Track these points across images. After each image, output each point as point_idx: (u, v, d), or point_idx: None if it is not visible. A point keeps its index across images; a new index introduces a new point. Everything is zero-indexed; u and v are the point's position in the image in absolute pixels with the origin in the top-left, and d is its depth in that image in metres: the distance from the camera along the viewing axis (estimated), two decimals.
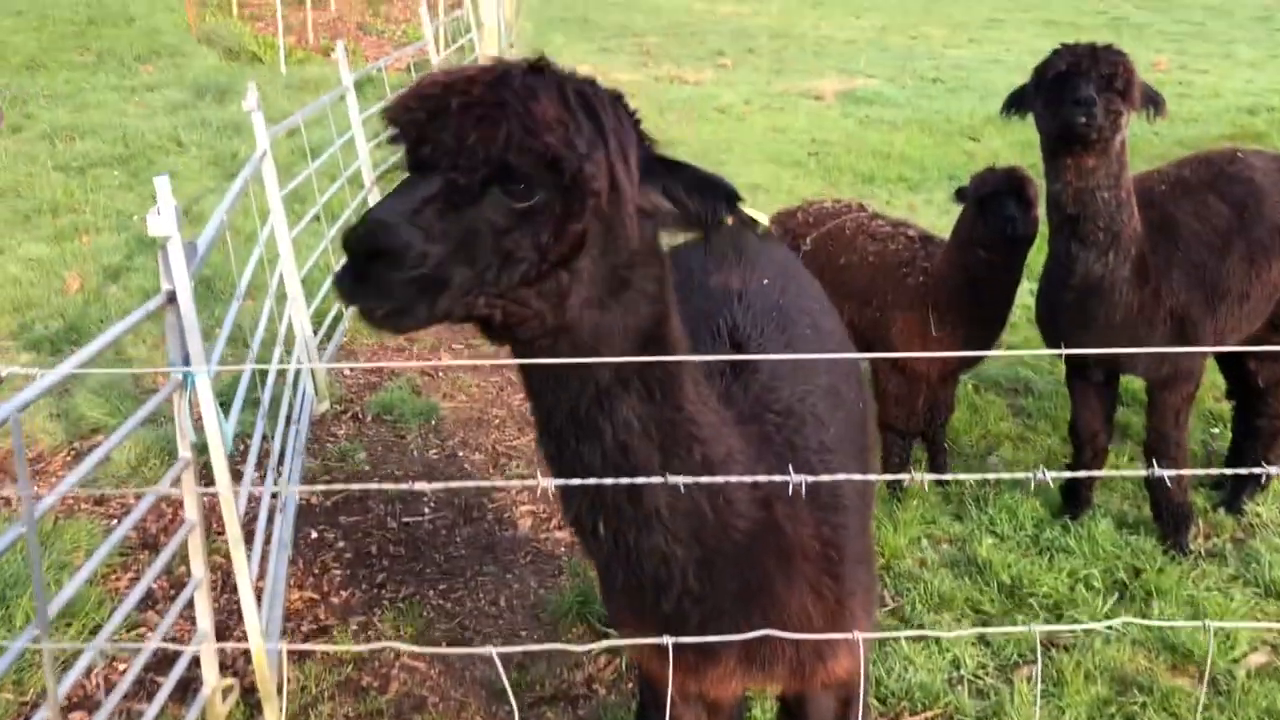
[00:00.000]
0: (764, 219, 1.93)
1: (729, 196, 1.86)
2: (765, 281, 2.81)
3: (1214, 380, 5.72)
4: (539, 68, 1.84)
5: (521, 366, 1.94)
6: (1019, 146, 12.10)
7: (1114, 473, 5.15)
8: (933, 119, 14.11)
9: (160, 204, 2.99)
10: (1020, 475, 1.92)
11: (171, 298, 3.09)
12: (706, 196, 1.87)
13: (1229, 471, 3.72)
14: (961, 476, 5.10)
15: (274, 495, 4.44)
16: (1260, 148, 11.66)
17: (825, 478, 2.16)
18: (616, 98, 1.90)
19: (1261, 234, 4.55)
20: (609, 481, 1.96)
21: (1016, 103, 4.30)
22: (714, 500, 2.11)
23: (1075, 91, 3.90)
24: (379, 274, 1.73)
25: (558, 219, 1.77)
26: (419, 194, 1.76)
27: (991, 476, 4.76)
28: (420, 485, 1.97)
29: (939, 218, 9.66)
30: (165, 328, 3.16)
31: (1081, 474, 4.51)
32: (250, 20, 19.01)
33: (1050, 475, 1.78)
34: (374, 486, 2.14)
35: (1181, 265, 4.41)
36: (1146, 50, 19.28)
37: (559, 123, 1.75)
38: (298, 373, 5.68)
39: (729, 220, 1.86)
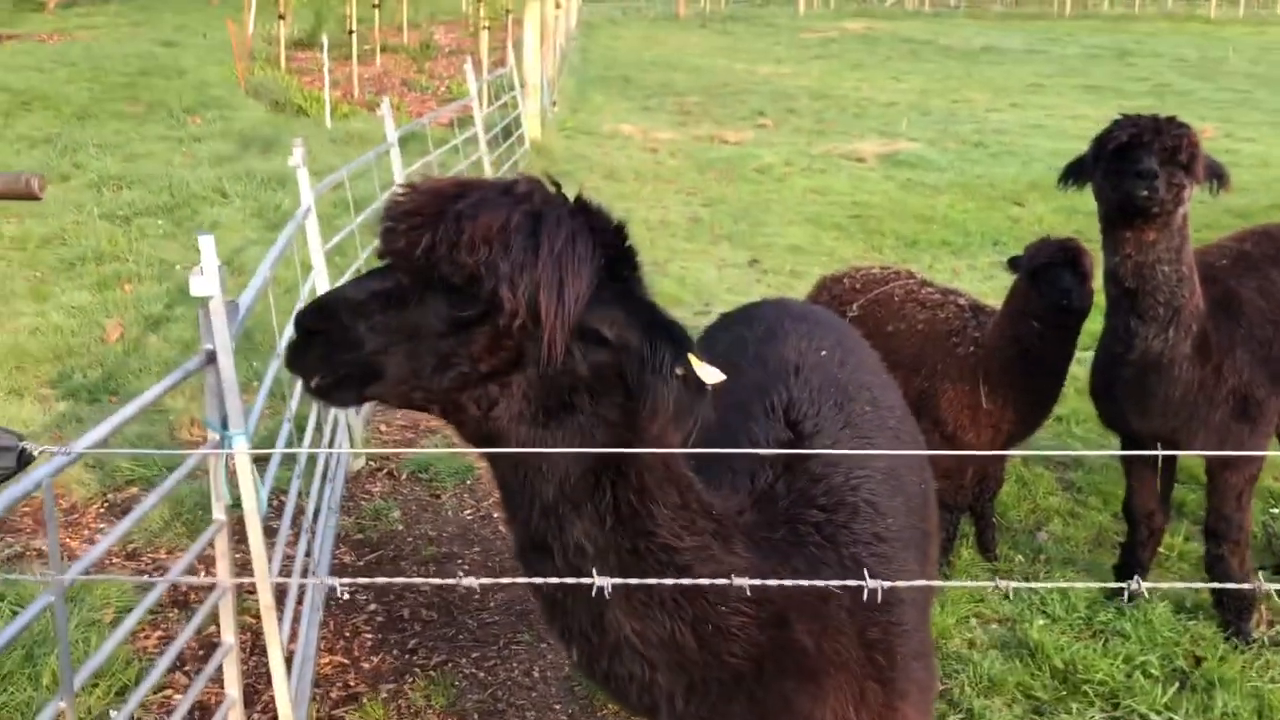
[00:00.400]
0: (717, 377, 1.82)
1: (680, 347, 1.79)
2: (823, 352, 2.71)
3: (1276, 459, 5.54)
4: (536, 192, 1.88)
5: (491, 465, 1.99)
6: (1064, 213, 11.99)
7: (1202, 585, 4.97)
8: (975, 183, 14.04)
9: (204, 263, 2.95)
10: (1114, 585, 1.78)
11: (212, 357, 3.04)
12: (657, 342, 1.79)
13: None
14: (1048, 586, 4.94)
15: (306, 554, 4.36)
16: None
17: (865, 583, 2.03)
18: (586, 227, 1.85)
19: None
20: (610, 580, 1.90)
21: (1074, 173, 4.19)
22: (698, 628, 2.01)
23: (1137, 164, 3.79)
24: (316, 349, 1.89)
25: (490, 333, 1.82)
26: (373, 286, 1.89)
27: (1093, 586, 4.58)
28: (468, 581, 1.88)
29: (982, 283, 9.55)
30: (205, 388, 3.10)
31: (1143, 555, 4.34)
32: (297, 74, 19.32)
33: (1145, 585, 1.62)
34: (418, 581, 2.06)
35: (1245, 342, 4.28)
36: (1191, 117, 19.09)
37: (485, 242, 1.79)
38: (334, 428, 5.63)
39: (676, 372, 1.78)
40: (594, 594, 1.91)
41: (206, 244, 2.94)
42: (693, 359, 1.79)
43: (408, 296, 1.84)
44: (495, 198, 1.85)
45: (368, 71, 20.68)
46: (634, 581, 1.93)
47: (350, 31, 19.85)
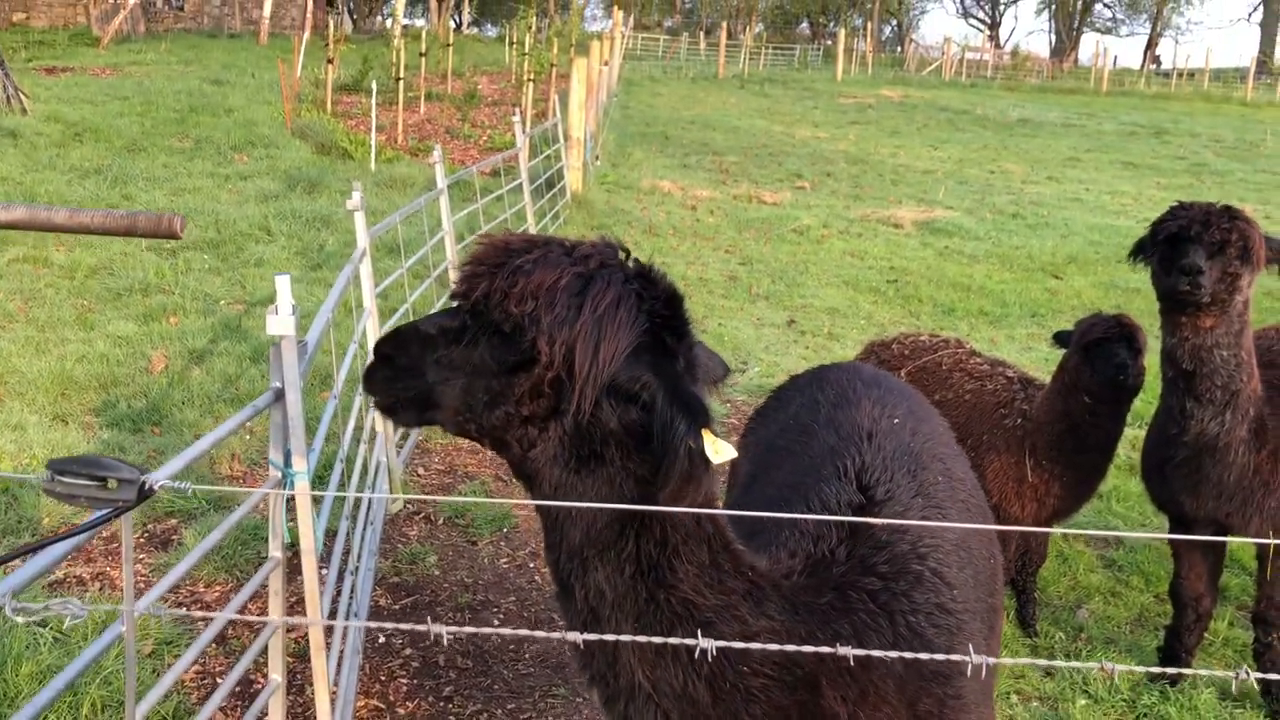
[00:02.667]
0: (727, 455, 1.87)
1: (695, 421, 1.86)
2: (896, 420, 2.71)
3: None
4: (596, 255, 1.99)
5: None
6: (1102, 288, 12.00)
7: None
8: (1013, 254, 14.07)
9: (279, 302, 2.99)
10: (1222, 674, 1.75)
11: (279, 395, 3.07)
12: (675, 412, 1.87)
13: None
14: (1130, 668, 4.87)
15: (349, 596, 4.37)
16: None
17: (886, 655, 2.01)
18: (635, 294, 1.95)
19: None
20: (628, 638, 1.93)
21: (1139, 251, 4.20)
22: (715, 684, 2.05)
23: (1183, 258, 3.81)
24: (388, 373, 2.09)
25: (531, 380, 1.96)
26: (442, 322, 2.06)
27: (1181, 672, 4.51)
28: (505, 631, 1.89)
29: (1020, 354, 9.54)
30: (270, 425, 3.14)
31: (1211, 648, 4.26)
32: (342, 117, 19.66)
33: (1255, 676, 1.59)
34: (470, 630, 2.09)
35: None
36: (1229, 197, 19.13)
37: (533, 297, 1.93)
38: (376, 471, 5.65)
39: (689, 444, 1.85)
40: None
41: (283, 284, 2.99)
42: (706, 434, 1.86)
43: (468, 336, 2.00)
44: (556, 257, 1.98)
45: (412, 118, 21.01)
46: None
47: (398, 79, 20.21)
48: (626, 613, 2.02)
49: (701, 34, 60.42)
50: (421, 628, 4.31)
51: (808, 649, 1.98)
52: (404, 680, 4.53)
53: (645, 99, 32.60)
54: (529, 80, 21.68)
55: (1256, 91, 46.51)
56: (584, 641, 2.02)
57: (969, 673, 2.27)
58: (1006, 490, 4.83)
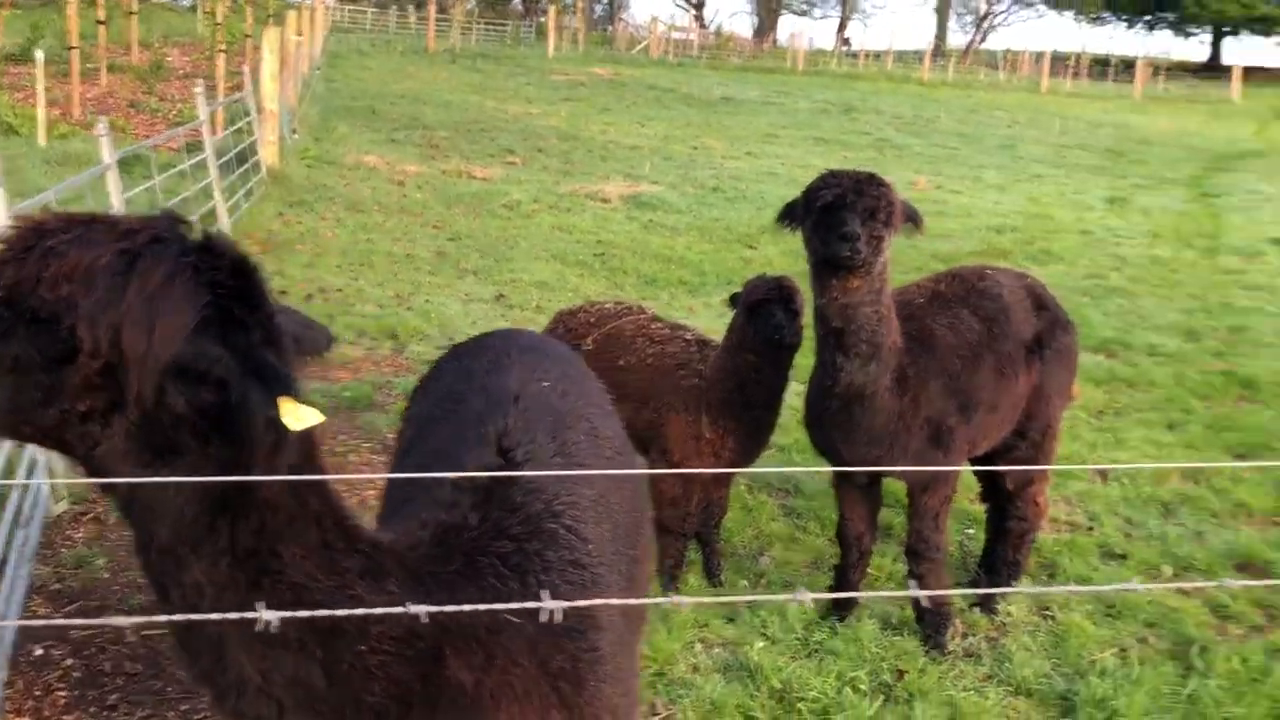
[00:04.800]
0: (315, 418, 1.82)
1: (271, 390, 1.78)
2: (545, 384, 2.73)
3: (970, 483, 6.02)
4: (147, 231, 1.81)
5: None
6: (792, 255, 12.64)
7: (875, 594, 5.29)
8: (712, 226, 14.64)
9: None
10: (781, 598, 1.88)
11: None
12: (250, 385, 1.78)
13: (981, 591, 3.86)
14: (721, 602, 5.12)
15: None
16: (1007, 265, 12.66)
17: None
18: (192, 268, 1.80)
19: (1009, 347, 4.85)
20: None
21: (788, 217, 4.44)
22: (330, 668, 1.99)
23: (841, 225, 4.06)
24: None
25: (80, 373, 1.78)
26: None
27: (751, 598, 4.78)
28: (121, 620, 1.77)
29: (716, 320, 9.93)
30: None
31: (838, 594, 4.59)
32: (8, 90, 17.90)
33: (810, 596, 1.75)
34: (77, 623, 1.93)
35: (938, 375, 4.64)
36: (907, 170, 20.77)
37: (67, 280, 1.75)
38: (32, 469, 5.19)
39: (264, 415, 1.77)
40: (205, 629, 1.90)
41: None
42: (286, 402, 1.78)
43: (9, 329, 1.78)
44: (98, 235, 1.80)
45: (91, 91, 19.41)
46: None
47: (71, 47, 18.57)
48: (230, 605, 1.88)
49: (411, 7, 59.17)
50: (99, 622, 3.98)
51: (389, 610, 1.92)
52: (63, 693, 4.19)
53: (352, 73, 31.58)
54: (221, 51, 20.48)
55: (932, 72, 50.53)
56: (189, 639, 1.91)
57: (603, 625, 2.34)
58: (686, 447, 5.02)
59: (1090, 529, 6.17)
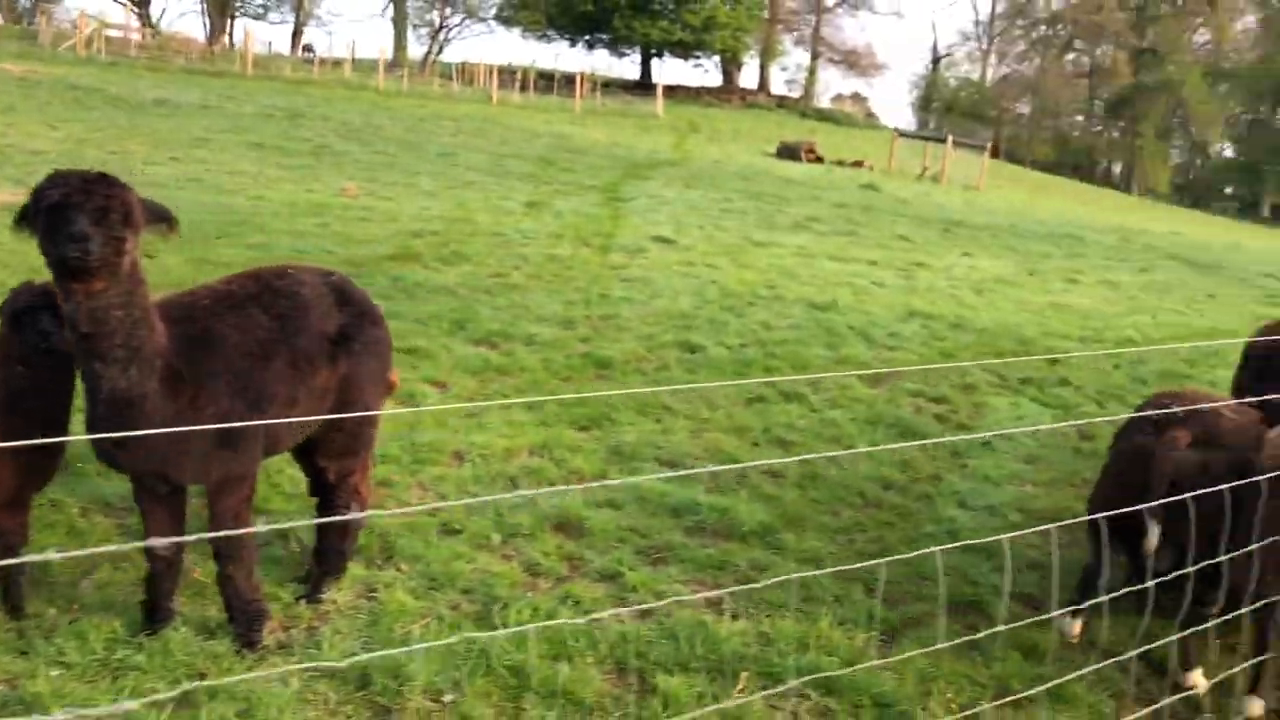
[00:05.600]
0: None
1: None
2: None
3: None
4: None
5: None
6: (195, 264, 12.18)
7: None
8: None
9: None
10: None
11: None
12: None
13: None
14: None
15: None
16: (416, 266, 12.94)
17: None
18: None
19: (306, 343, 4.98)
20: None
21: (22, 219, 4.21)
22: None
23: (69, 225, 3.92)
24: None
25: None
26: None
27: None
28: None
29: None
30: None
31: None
32: None
33: None
34: None
35: (223, 374, 4.64)
36: (340, 176, 20.79)
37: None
38: None
39: None
40: None
41: None
42: None
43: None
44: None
45: None
46: None
47: None
48: None
49: None
50: None
51: None
52: None
53: None
54: None
55: (388, 82, 51.10)
56: None
57: None
58: None
59: (434, 512, 6.54)
